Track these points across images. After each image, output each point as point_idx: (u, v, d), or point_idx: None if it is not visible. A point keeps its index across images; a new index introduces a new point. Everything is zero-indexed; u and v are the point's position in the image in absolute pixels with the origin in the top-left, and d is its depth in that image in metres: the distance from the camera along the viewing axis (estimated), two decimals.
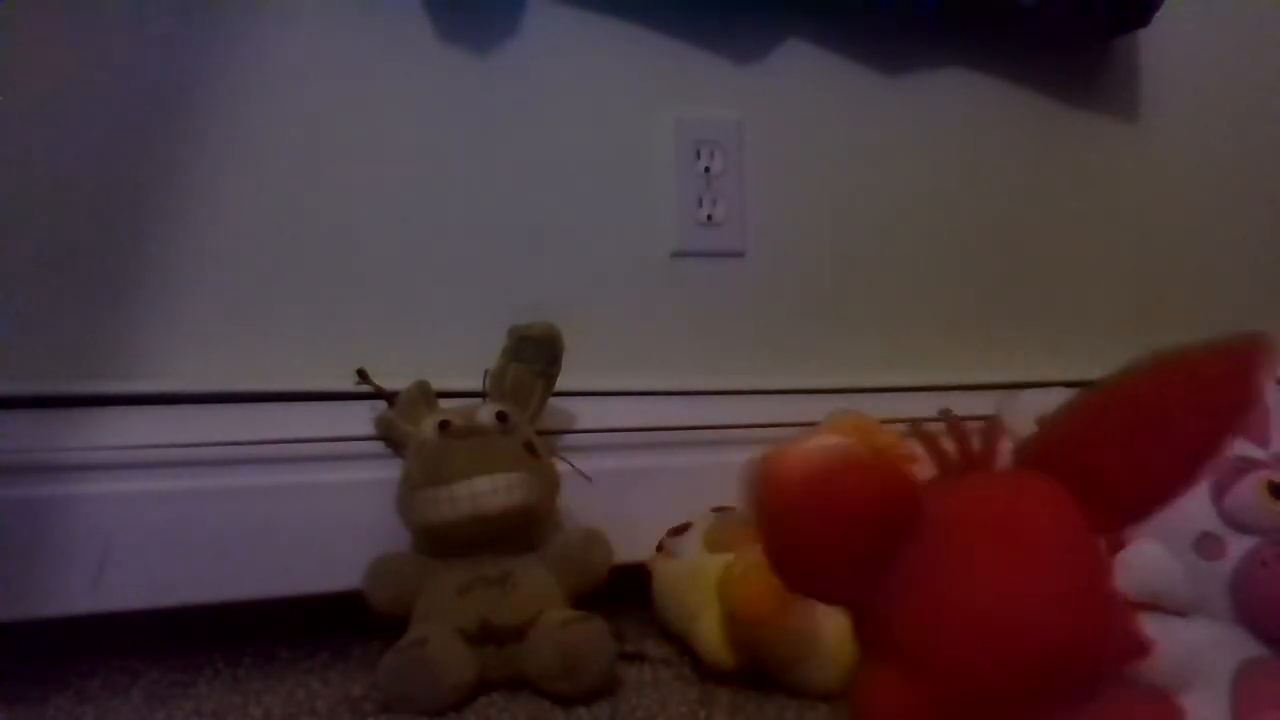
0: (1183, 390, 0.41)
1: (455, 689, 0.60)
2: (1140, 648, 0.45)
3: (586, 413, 0.80)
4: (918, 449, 0.48)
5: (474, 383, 0.72)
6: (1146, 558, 0.51)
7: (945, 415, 0.47)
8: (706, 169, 0.88)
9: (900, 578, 0.40)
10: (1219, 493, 0.50)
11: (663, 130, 0.87)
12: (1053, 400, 0.57)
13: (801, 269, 0.92)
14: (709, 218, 0.88)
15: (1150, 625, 0.50)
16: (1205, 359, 0.42)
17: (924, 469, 0.47)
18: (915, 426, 0.50)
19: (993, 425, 0.46)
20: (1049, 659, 0.38)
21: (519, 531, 0.66)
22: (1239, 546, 0.50)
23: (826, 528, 0.40)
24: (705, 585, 0.64)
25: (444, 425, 0.66)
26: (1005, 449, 0.46)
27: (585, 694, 0.60)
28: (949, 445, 0.46)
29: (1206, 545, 0.50)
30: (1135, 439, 0.41)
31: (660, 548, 0.72)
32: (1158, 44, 1.06)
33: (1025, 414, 0.55)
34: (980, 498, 0.43)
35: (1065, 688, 0.39)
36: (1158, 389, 0.42)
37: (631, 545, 0.71)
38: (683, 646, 0.68)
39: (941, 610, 0.40)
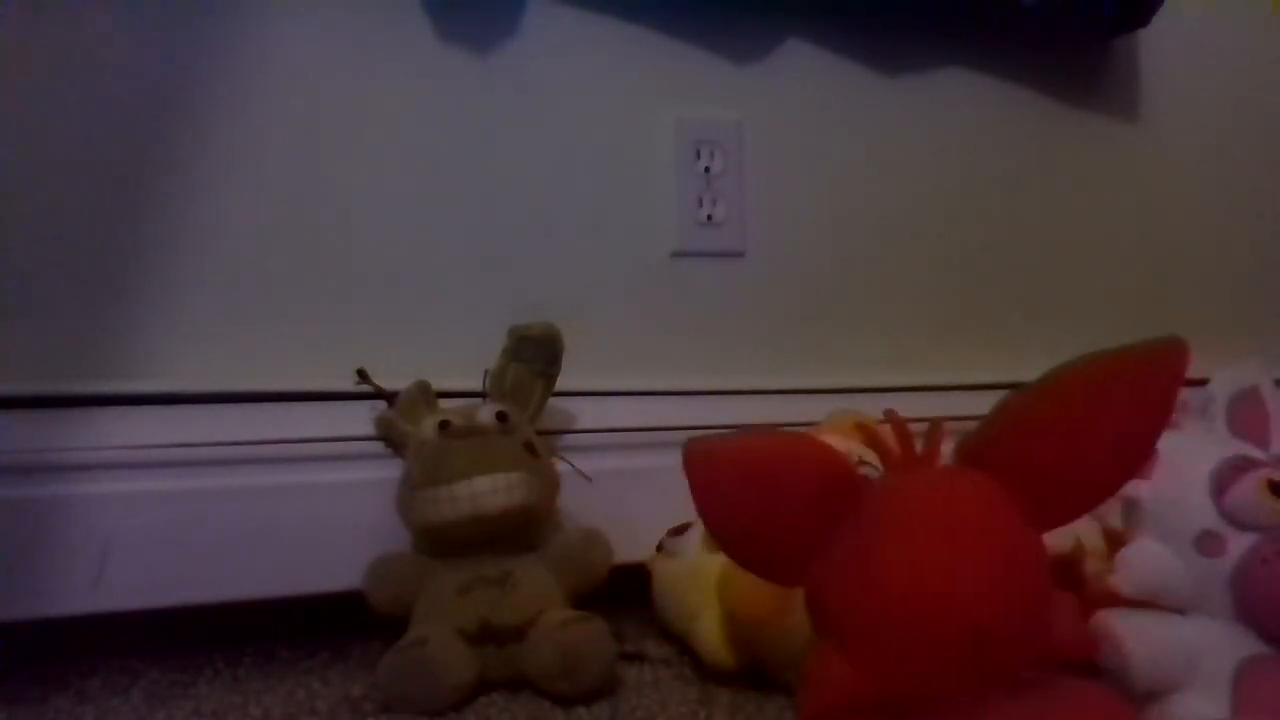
0: (1111, 390, 0.43)
1: (455, 689, 0.60)
2: (1085, 644, 0.46)
3: (586, 413, 0.80)
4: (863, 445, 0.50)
5: (474, 383, 0.72)
6: (1147, 555, 0.51)
7: (889, 415, 0.48)
8: (706, 169, 0.88)
9: (836, 558, 0.42)
10: (1219, 491, 0.50)
11: (663, 130, 0.87)
12: None
13: (801, 269, 0.92)
14: (709, 218, 0.89)
15: (1147, 623, 0.51)
16: (1130, 361, 0.44)
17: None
18: (861, 425, 0.51)
19: (935, 425, 0.47)
20: (973, 640, 0.40)
21: (519, 531, 0.66)
22: (1239, 544, 0.50)
23: (759, 500, 0.42)
24: (705, 585, 0.64)
25: (444, 425, 0.66)
26: (947, 448, 0.47)
27: (585, 694, 0.60)
28: (893, 443, 0.47)
29: (1207, 543, 0.50)
30: (1068, 438, 0.43)
31: (660, 548, 0.72)
32: (1158, 44, 1.06)
33: None
34: (916, 489, 0.44)
35: (993, 671, 0.40)
36: (1087, 390, 0.43)
37: (631, 545, 0.71)
38: (683, 646, 0.68)
39: (872, 589, 0.41)
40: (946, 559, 0.40)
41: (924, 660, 0.40)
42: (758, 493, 0.44)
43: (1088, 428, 0.43)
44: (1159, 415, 0.43)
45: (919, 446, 0.48)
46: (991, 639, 0.39)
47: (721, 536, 0.48)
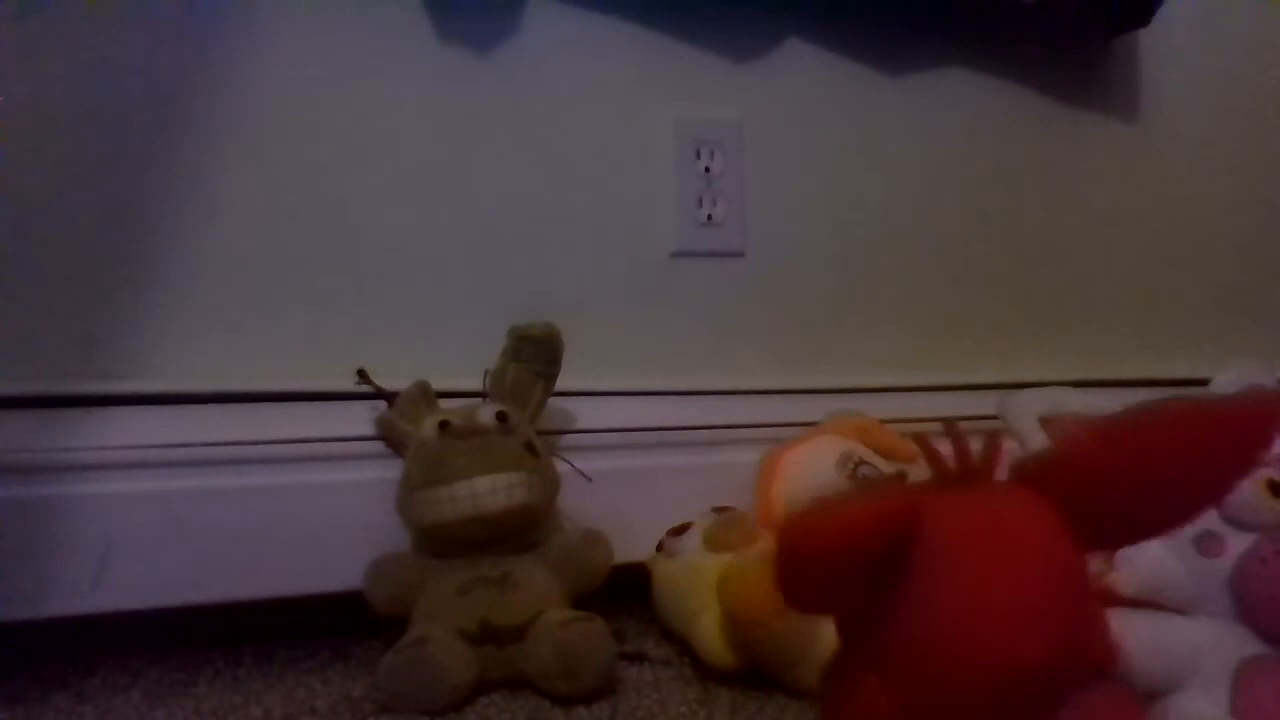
0: (1190, 449, 0.41)
1: (455, 689, 0.60)
2: (1111, 656, 0.46)
3: (586, 413, 0.80)
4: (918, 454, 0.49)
5: (474, 383, 0.72)
6: (1147, 555, 0.51)
7: (949, 427, 0.47)
8: (706, 169, 0.88)
9: (892, 589, 0.41)
10: None
11: (663, 130, 0.87)
12: (1053, 400, 0.57)
13: (801, 269, 0.92)
14: (709, 218, 0.89)
15: (1147, 622, 0.51)
16: (1217, 420, 0.42)
17: (924, 469, 0.47)
18: (917, 435, 0.50)
19: (994, 437, 0.46)
20: (1024, 675, 0.39)
21: (519, 531, 0.66)
22: (1239, 544, 0.50)
23: (826, 575, 0.41)
24: (705, 585, 0.64)
25: (444, 425, 0.66)
26: (1004, 461, 0.46)
27: (585, 694, 0.60)
28: (948, 454, 0.46)
29: (1207, 543, 0.50)
30: (1136, 485, 0.42)
31: (660, 548, 0.72)
32: (1158, 44, 1.07)
33: (1025, 413, 0.55)
34: (973, 513, 0.43)
35: (1037, 702, 0.40)
36: (1167, 441, 0.41)
37: (631, 545, 0.71)
38: (683, 646, 0.68)
39: (926, 622, 0.40)
40: (997, 591, 0.40)
41: (969, 696, 0.39)
42: (825, 577, 0.43)
43: (1157, 484, 0.41)
44: (1231, 474, 0.42)
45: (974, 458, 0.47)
46: (1038, 677, 0.39)
47: (793, 603, 0.46)
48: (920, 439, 0.49)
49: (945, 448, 0.46)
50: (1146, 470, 0.41)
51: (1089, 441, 0.43)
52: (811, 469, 0.73)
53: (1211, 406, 0.42)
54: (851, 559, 0.40)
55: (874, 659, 0.42)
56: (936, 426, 0.87)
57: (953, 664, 0.39)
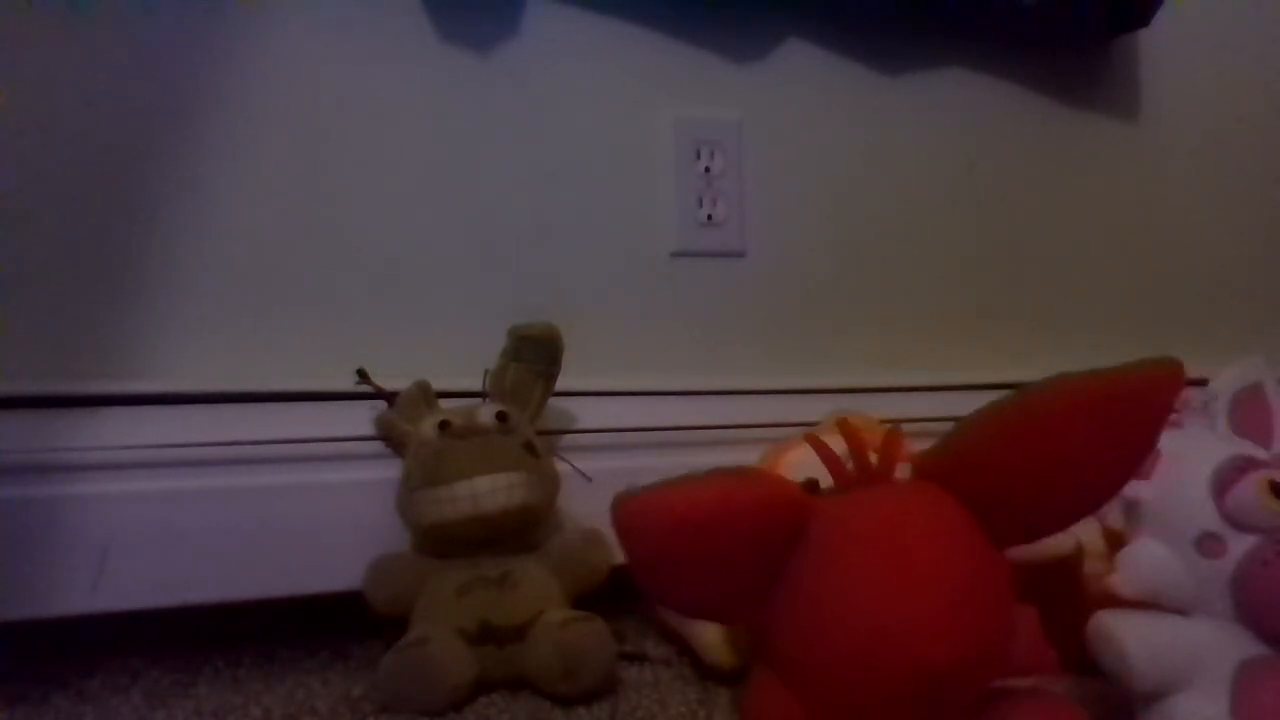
0: (1091, 427, 0.40)
1: (455, 689, 0.60)
2: (1044, 659, 0.44)
3: (586, 413, 0.80)
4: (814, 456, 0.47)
5: (474, 383, 0.72)
6: (1147, 556, 0.51)
7: (840, 423, 0.46)
8: (706, 169, 0.88)
9: (783, 589, 0.39)
10: (1220, 491, 0.50)
11: (663, 130, 0.87)
12: None
13: (801, 269, 0.92)
14: (709, 218, 0.88)
15: (1147, 623, 0.51)
16: (1114, 392, 0.40)
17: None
18: (808, 435, 0.48)
19: (892, 436, 0.45)
20: (927, 679, 0.37)
21: (519, 531, 0.66)
22: (1240, 545, 0.50)
23: (696, 554, 0.40)
24: None
25: (444, 425, 0.66)
26: (904, 461, 0.44)
27: (585, 694, 0.60)
28: (845, 455, 0.45)
29: (1207, 544, 0.50)
30: (1042, 471, 0.40)
31: None
32: (1158, 44, 1.07)
33: None
34: (867, 511, 0.41)
35: (946, 706, 0.38)
36: (1067, 422, 0.40)
37: None
38: (683, 646, 0.68)
39: (820, 623, 0.38)
40: (898, 593, 0.38)
41: (873, 699, 0.38)
42: (693, 547, 0.41)
43: (1064, 468, 0.40)
44: (1135, 449, 0.40)
45: (873, 458, 0.44)
46: (944, 678, 0.37)
47: (659, 594, 0.44)
48: (812, 439, 0.47)
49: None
50: (1054, 455, 0.39)
51: (988, 429, 0.41)
52: (811, 469, 0.73)
53: (1107, 379, 0.40)
54: (717, 537, 0.39)
55: (774, 661, 0.41)
56: (937, 427, 0.87)
57: (853, 667, 0.38)
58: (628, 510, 0.41)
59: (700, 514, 0.40)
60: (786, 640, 0.40)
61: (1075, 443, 0.39)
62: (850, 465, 0.46)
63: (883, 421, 0.79)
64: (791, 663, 0.40)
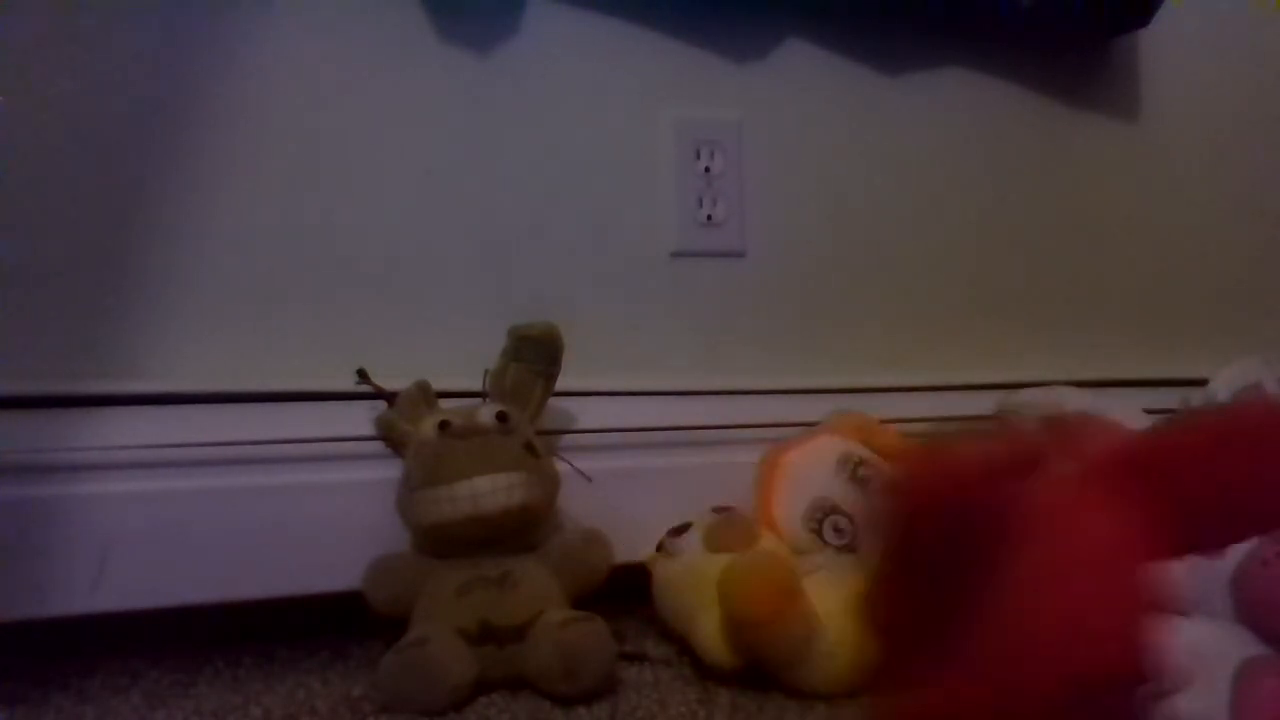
0: None
1: (455, 689, 0.60)
2: (1159, 665, 0.44)
3: (586, 413, 0.80)
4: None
5: (474, 383, 0.72)
6: None
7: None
8: (706, 169, 0.88)
9: (976, 572, 0.39)
10: None
11: (663, 130, 0.87)
12: (1053, 400, 0.57)
13: (801, 269, 0.92)
14: (709, 218, 0.88)
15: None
16: None
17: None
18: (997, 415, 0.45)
19: (1076, 422, 0.43)
20: (1089, 689, 0.36)
21: (519, 531, 0.66)
22: (1240, 546, 0.50)
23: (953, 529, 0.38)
24: (705, 585, 0.64)
25: (444, 425, 0.66)
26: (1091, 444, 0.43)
27: (585, 694, 0.60)
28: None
29: None
30: (1245, 490, 0.38)
31: (660, 548, 0.72)
32: (1158, 44, 1.06)
33: (1025, 413, 0.55)
34: (1052, 508, 0.39)
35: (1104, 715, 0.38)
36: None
37: (631, 545, 0.71)
38: (683, 646, 0.68)
39: (986, 622, 0.38)
40: (1074, 599, 0.37)
41: (1033, 702, 0.38)
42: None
43: (1269, 489, 0.38)
44: None
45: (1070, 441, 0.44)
46: (1107, 688, 0.36)
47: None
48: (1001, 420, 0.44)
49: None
50: (1263, 476, 0.37)
51: (1196, 435, 0.39)
52: (811, 469, 0.73)
53: None
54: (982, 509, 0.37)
55: (948, 654, 0.40)
56: (936, 427, 0.87)
57: (1020, 673, 0.37)
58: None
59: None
60: (964, 623, 0.39)
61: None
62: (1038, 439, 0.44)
63: (883, 422, 0.80)
64: (966, 651, 0.39)
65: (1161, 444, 0.40)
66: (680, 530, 0.71)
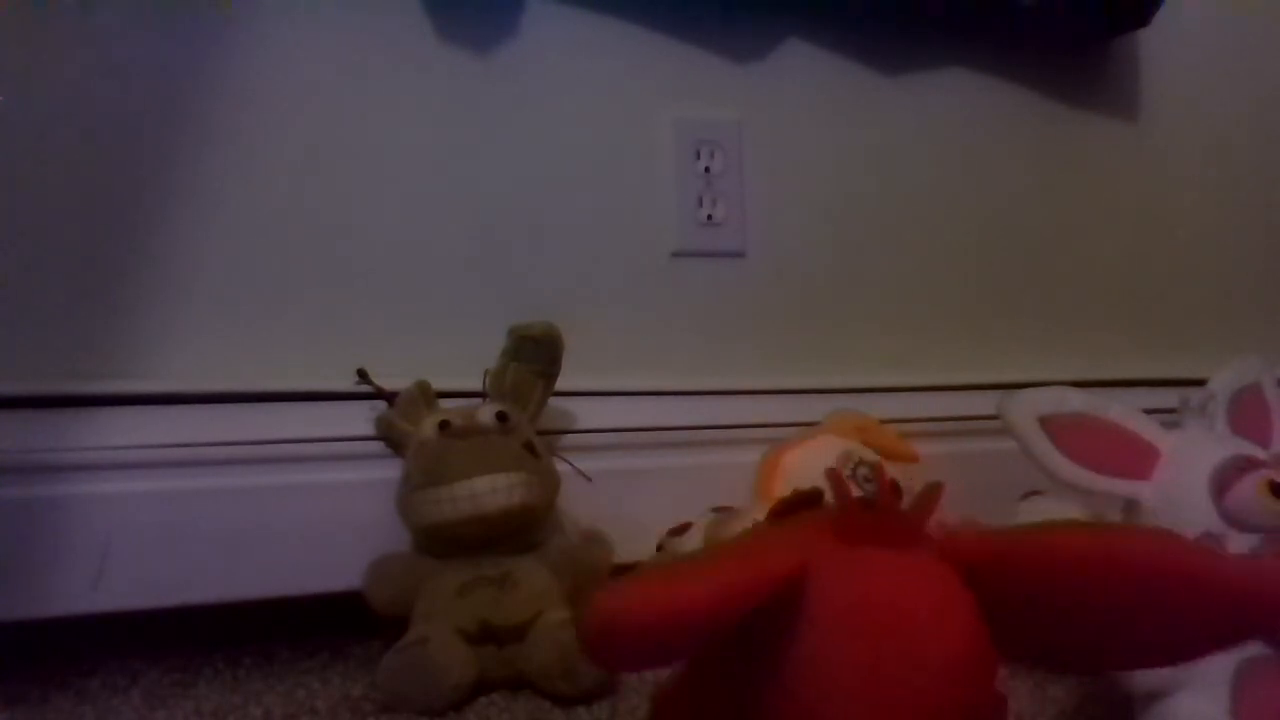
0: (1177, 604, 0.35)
1: (455, 689, 0.60)
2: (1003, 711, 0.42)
3: (586, 413, 0.80)
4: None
5: (474, 383, 0.72)
6: None
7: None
8: (706, 169, 0.88)
9: (774, 645, 0.36)
10: (1219, 492, 0.50)
11: (663, 130, 0.87)
12: (1053, 400, 0.57)
13: (801, 269, 0.92)
14: (709, 218, 0.88)
15: None
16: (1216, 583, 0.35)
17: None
18: (829, 470, 0.42)
19: (932, 491, 0.38)
20: None
21: (519, 531, 0.66)
22: (1239, 545, 0.50)
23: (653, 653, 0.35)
24: None
25: (444, 425, 0.66)
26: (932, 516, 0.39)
27: (585, 694, 0.60)
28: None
29: (1207, 544, 0.50)
30: (1086, 623, 0.36)
31: (660, 548, 0.72)
32: (1158, 44, 1.07)
33: (1025, 413, 0.55)
34: (881, 577, 0.36)
35: None
36: (1161, 594, 0.35)
37: (631, 545, 0.71)
38: None
39: (816, 693, 0.35)
40: (894, 676, 0.34)
41: None
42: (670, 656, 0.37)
43: (1110, 616, 0.36)
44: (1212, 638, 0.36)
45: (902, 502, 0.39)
46: None
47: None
48: (831, 474, 0.42)
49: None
50: (1106, 609, 0.35)
51: (1037, 545, 0.37)
52: (811, 469, 0.73)
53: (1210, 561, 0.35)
54: (687, 639, 0.35)
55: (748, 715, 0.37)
56: (937, 426, 0.87)
57: None
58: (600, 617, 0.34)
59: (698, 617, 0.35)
60: (763, 692, 0.38)
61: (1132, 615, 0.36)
62: (869, 489, 0.41)
63: (883, 421, 0.80)
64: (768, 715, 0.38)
65: (1006, 547, 0.37)
66: (680, 530, 0.71)
